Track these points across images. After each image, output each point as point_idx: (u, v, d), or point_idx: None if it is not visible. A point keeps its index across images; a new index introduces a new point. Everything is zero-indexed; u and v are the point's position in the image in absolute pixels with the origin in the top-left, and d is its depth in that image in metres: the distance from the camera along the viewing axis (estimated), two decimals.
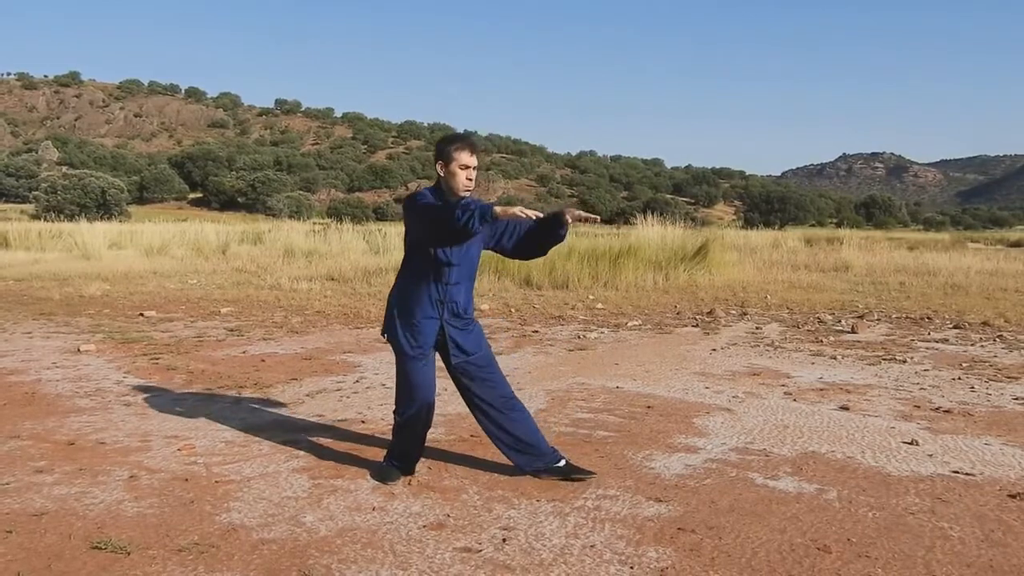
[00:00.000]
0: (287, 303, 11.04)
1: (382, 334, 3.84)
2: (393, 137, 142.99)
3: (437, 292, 3.65)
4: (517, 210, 3.34)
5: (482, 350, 3.79)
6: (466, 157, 3.59)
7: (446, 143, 3.64)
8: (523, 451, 3.79)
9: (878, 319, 9.75)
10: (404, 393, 3.75)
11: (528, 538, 3.11)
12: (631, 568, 2.86)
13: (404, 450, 3.85)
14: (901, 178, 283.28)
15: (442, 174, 3.63)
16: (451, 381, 3.86)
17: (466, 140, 3.66)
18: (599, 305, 10.87)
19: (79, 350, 7.30)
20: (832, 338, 8.28)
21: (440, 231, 3.47)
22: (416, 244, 3.69)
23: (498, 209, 3.34)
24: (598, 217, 3.65)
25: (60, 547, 3.00)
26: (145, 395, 5.58)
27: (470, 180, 3.62)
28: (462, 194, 3.62)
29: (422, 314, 3.66)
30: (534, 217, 3.41)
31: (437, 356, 3.82)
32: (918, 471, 3.97)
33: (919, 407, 5.31)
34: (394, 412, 3.83)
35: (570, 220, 3.60)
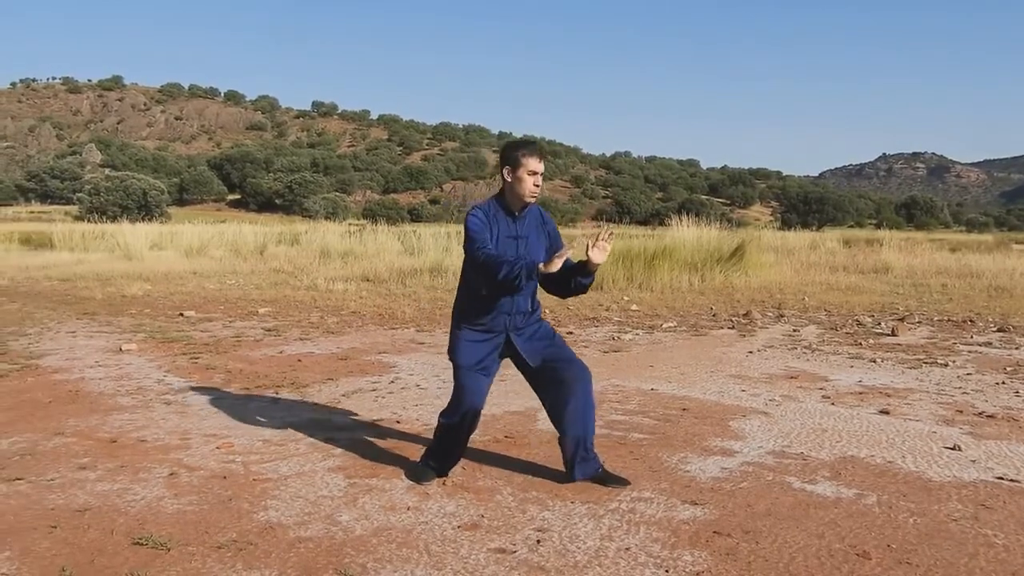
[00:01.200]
0: (323, 304, 11.15)
1: (448, 352, 3.81)
2: (428, 139, 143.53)
3: (503, 305, 3.63)
4: (559, 257, 3.37)
5: (555, 340, 3.78)
6: (534, 163, 3.58)
7: (514, 148, 3.62)
8: (582, 457, 3.73)
9: (919, 322, 9.58)
10: (454, 397, 3.76)
11: (562, 540, 3.11)
12: (666, 571, 2.84)
13: (443, 451, 3.85)
14: (943, 178, 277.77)
15: (509, 179, 3.61)
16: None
17: (534, 146, 3.63)
18: (634, 307, 10.82)
19: (121, 349, 7.44)
20: (871, 341, 8.15)
21: (488, 280, 3.51)
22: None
23: (542, 266, 3.40)
24: (610, 229, 3.63)
25: (102, 542, 3.05)
26: (185, 394, 5.67)
27: (537, 186, 3.61)
28: (528, 200, 3.62)
29: (486, 330, 3.67)
30: (569, 254, 3.44)
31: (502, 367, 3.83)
32: (960, 477, 3.89)
33: (962, 412, 5.20)
34: (440, 413, 3.85)
35: (596, 261, 3.50)
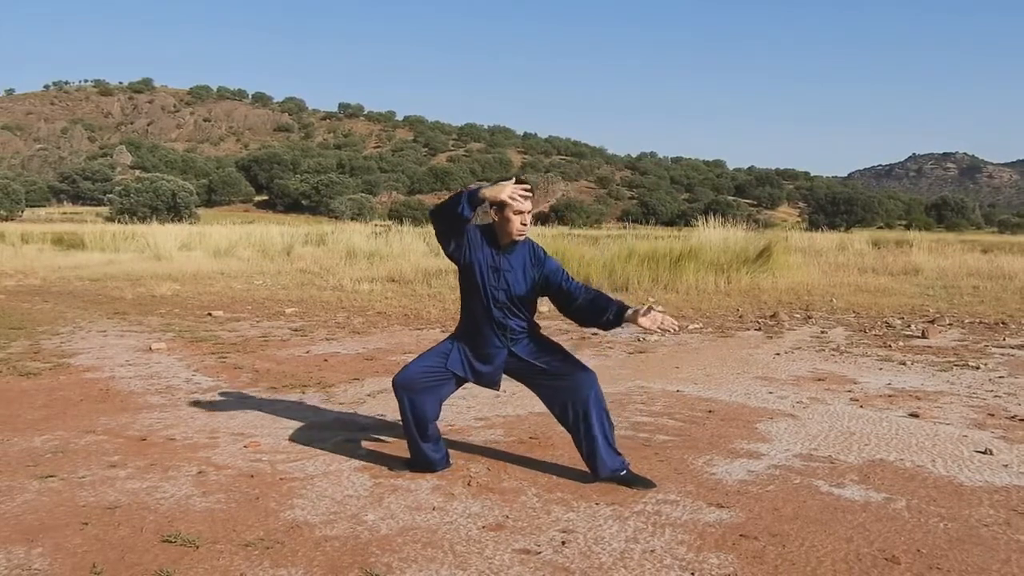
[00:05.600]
0: (349, 304, 11.21)
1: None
2: (454, 140, 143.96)
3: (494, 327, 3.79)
4: (507, 195, 3.49)
5: (558, 349, 3.87)
6: (527, 204, 3.63)
7: None
8: (598, 455, 3.76)
9: (950, 324, 9.45)
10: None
11: (587, 541, 3.10)
12: (692, 574, 2.82)
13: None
14: (974, 179, 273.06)
15: (496, 218, 3.70)
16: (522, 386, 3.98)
17: (530, 187, 3.66)
18: (659, 308, 10.75)
19: (150, 348, 7.53)
20: (901, 343, 8.05)
21: (439, 222, 3.63)
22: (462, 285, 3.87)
23: (486, 191, 3.51)
24: (675, 326, 3.72)
25: (133, 539, 3.09)
26: (213, 393, 5.73)
27: (524, 225, 3.66)
28: (515, 239, 3.69)
29: (486, 345, 3.82)
30: (527, 208, 3.57)
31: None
32: (992, 481, 3.83)
33: (993, 415, 5.12)
34: None
35: (644, 324, 3.63)
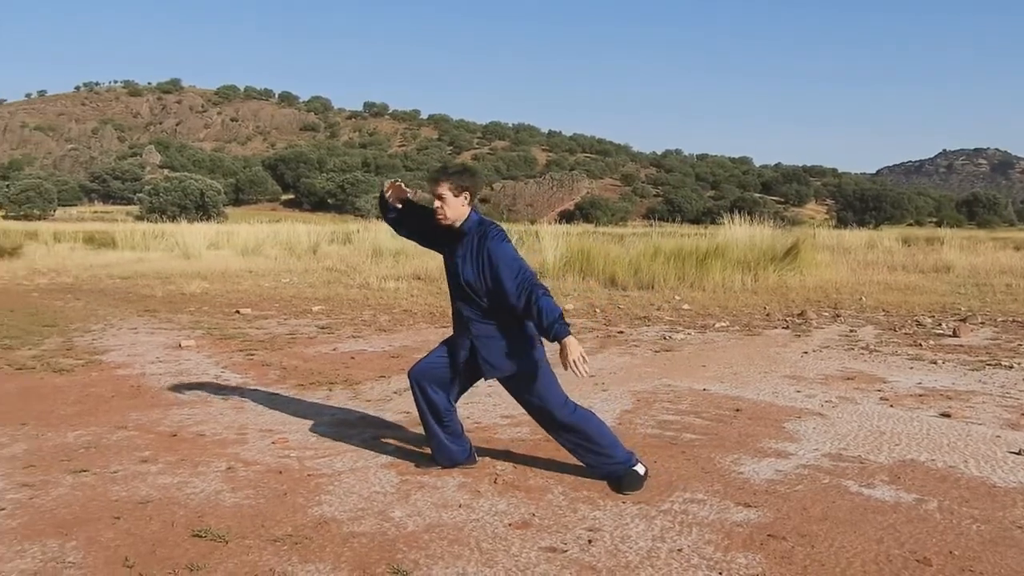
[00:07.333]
0: (375, 302, 11.26)
1: None
2: (478, 138, 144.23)
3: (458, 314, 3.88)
4: (398, 189, 3.85)
5: (528, 372, 3.75)
6: (433, 187, 3.74)
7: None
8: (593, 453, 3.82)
9: (982, 322, 9.30)
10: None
11: (614, 540, 3.09)
12: (719, 574, 2.81)
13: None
14: (1007, 175, 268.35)
15: None
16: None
17: (435, 171, 3.78)
18: (685, 306, 10.71)
19: (180, 345, 7.62)
20: (932, 342, 7.94)
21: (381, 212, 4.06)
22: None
23: (386, 192, 3.90)
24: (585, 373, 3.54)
25: (163, 534, 3.13)
26: (241, 390, 5.78)
27: (436, 208, 3.73)
28: (440, 222, 3.76)
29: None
30: (437, 192, 3.69)
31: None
32: None
33: None
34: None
35: (564, 355, 3.46)
